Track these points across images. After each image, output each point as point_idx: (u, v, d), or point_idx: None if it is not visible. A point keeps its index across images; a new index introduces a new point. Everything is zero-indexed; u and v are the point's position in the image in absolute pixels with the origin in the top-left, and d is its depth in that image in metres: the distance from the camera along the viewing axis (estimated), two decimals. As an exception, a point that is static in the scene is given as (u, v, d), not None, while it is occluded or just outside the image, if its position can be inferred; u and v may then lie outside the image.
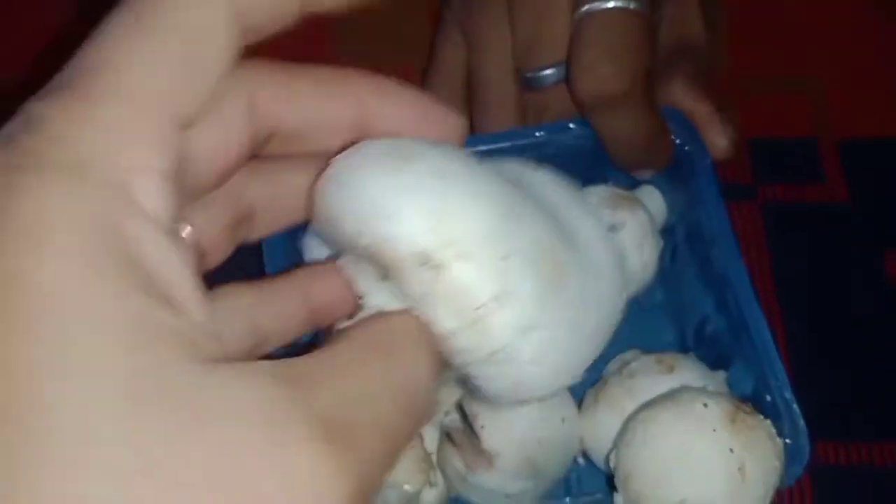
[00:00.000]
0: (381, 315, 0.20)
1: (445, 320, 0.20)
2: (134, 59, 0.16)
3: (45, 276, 0.14)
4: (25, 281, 0.14)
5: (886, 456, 0.44)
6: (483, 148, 0.43)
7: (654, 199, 0.44)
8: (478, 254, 0.20)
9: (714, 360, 0.40)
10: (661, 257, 0.43)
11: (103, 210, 0.15)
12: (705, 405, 0.33)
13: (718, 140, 0.42)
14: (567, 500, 0.39)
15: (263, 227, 0.23)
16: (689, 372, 0.38)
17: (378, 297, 0.22)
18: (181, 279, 0.16)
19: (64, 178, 0.15)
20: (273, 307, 0.22)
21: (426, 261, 0.20)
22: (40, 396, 0.13)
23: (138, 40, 0.16)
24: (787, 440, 0.35)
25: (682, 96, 0.42)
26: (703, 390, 0.34)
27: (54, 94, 0.16)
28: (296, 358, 0.17)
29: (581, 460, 0.41)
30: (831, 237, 0.49)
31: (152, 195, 0.15)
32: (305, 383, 0.16)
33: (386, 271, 0.21)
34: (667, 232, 0.44)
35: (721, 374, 0.39)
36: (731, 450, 0.31)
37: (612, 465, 0.34)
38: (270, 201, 0.22)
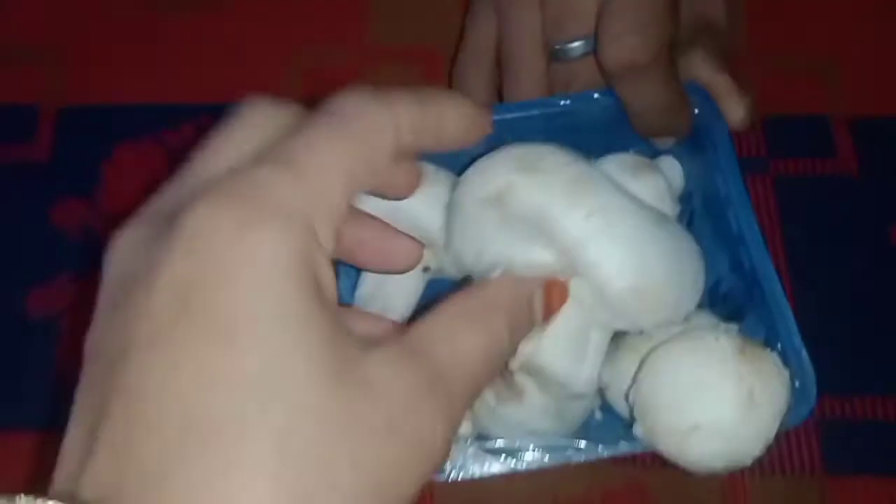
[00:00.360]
0: (472, 288, 0.27)
1: (566, 214, 0.33)
2: (329, 150, 0.24)
3: (268, 294, 0.21)
4: (258, 297, 0.21)
5: (889, 410, 0.47)
6: (511, 116, 0.46)
7: (672, 168, 0.47)
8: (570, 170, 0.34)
9: (727, 316, 0.42)
10: (679, 222, 0.45)
11: (304, 248, 0.22)
12: (717, 339, 0.36)
13: (736, 110, 0.44)
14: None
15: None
16: (702, 323, 0.40)
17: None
18: (335, 292, 0.23)
19: (281, 225, 0.21)
20: None
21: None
22: (257, 365, 0.20)
23: (334, 139, 0.24)
24: (797, 383, 0.37)
25: (702, 69, 0.45)
26: (715, 326, 0.37)
27: (272, 164, 0.23)
28: (413, 327, 0.24)
29: (598, 414, 0.44)
30: (841, 211, 0.51)
31: (325, 236, 0.23)
32: (421, 350, 0.23)
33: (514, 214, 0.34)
34: (684, 199, 0.46)
35: (733, 327, 0.41)
36: (741, 377, 0.34)
37: (630, 400, 0.37)
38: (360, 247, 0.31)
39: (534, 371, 0.35)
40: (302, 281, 0.21)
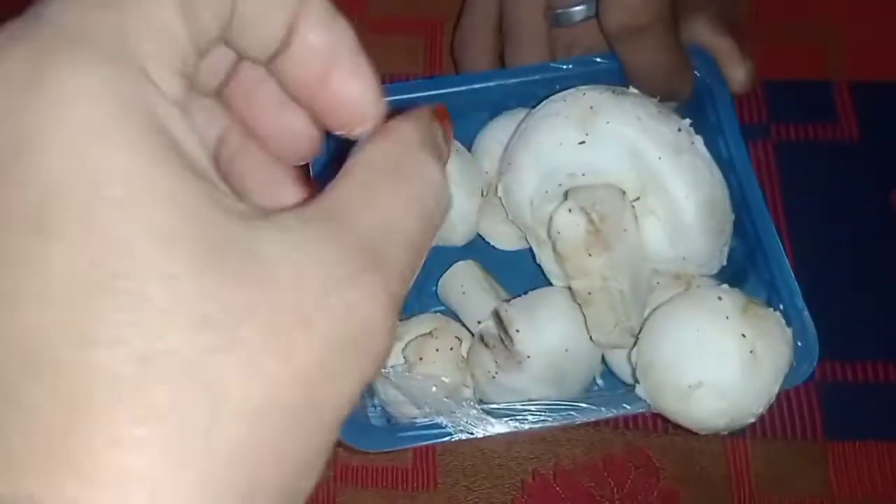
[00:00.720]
0: (384, 137, 0.20)
1: (656, 139, 0.38)
2: None
3: (89, 155, 0.15)
4: (74, 163, 0.15)
5: (891, 374, 0.47)
6: (514, 81, 0.46)
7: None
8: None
9: (729, 279, 0.43)
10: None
11: (128, 85, 0.16)
12: (719, 298, 0.36)
13: (738, 73, 0.44)
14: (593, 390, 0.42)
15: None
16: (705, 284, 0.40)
17: None
18: (198, 149, 0.16)
19: (95, 57, 0.15)
20: None
21: None
22: (89, 261, 0.14)
23: None
24: (799, 343, 0.37)
25: (705, 32, 0.45)
26: (717, 287, 0.37)
27: None
28: (323, 197, 0.18)
29: (600, 381, 0.44)
30: (843, 175, 0.51)
31: (166, 81, 0.16)
32: (340, 218, 0.17)
33: None
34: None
35: (736, 290, 0.41)
36: (744, 335, 0.34)
37: (633, 360, 0.37)
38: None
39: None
40: (139, 132, 0.15)
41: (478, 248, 0.47)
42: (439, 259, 0.46)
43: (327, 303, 0.16)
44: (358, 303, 0.16)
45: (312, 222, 0.17)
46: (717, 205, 0.38)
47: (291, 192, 0.23)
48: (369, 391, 0.42)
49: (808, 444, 0.46)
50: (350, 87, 0.21)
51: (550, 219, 0.38)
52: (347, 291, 0.16)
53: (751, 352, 0.34)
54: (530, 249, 0.44)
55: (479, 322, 0.42)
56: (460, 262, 0.45)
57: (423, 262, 0.19)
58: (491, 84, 0.46)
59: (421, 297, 0.46)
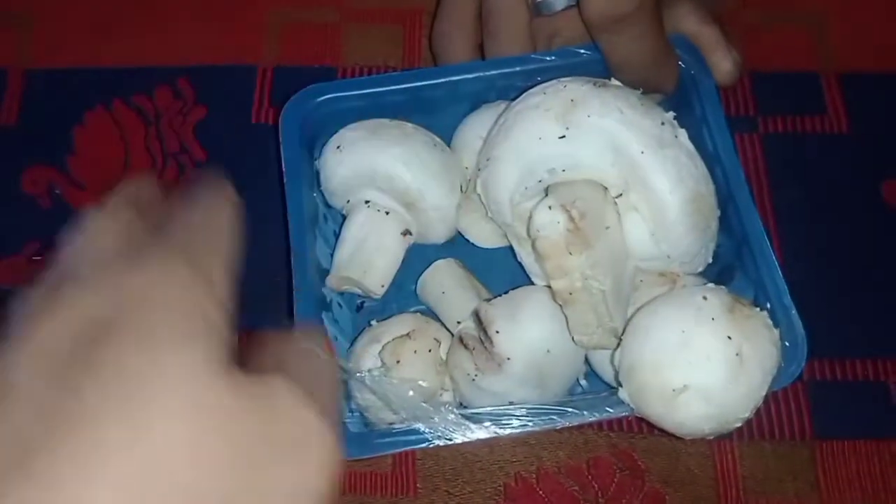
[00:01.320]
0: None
1: (639, 134, 0.37)
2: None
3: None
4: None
5: (879, 372, 0.46)
6: (494, 72, 0.44)
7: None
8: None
9: (715, 277, 0.41)
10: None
11: (197, 297, 0.21)
12: (705, 298, 0.34)
13: (723, 63, 0.43)
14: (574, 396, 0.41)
15: None
16: (690, 283, 0.39)
17: None
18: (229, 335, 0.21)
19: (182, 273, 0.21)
20: None
21: None
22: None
23: None
24: (786, 343, 0.36)
25: (689, 21, 0.43)
26: (703, 286, 0.36)
27: None
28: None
29: (583, 382, 0.43)
30: (832, 168, 0.50)
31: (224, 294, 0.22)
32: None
33: None
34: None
35: (722, 289, 0.40)
36: (730, 337, 0.33)
37: (616, 362, 0.36)
38: None
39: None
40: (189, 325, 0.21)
41: (458, 246, 0.46)
42: (419, 257, 0.45)
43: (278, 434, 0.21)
44: (315, 434, 0.21)
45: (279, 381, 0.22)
46: (703, 200, 0.37)
47: None
48: (346, 396, 0.41)
49: (796, 445, 0.45)
50: None
51: (530, 216, 0.37)
52: (307, 435, 0.21)
53: (737, 354, 0.33)
54: (511, 247, 0.43)
55: (458, 322, 0.40)
56: (440, 261, 0.44)
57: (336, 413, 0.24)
58: (470, 76, 0.44)
59: (400, 296, 0.45)
